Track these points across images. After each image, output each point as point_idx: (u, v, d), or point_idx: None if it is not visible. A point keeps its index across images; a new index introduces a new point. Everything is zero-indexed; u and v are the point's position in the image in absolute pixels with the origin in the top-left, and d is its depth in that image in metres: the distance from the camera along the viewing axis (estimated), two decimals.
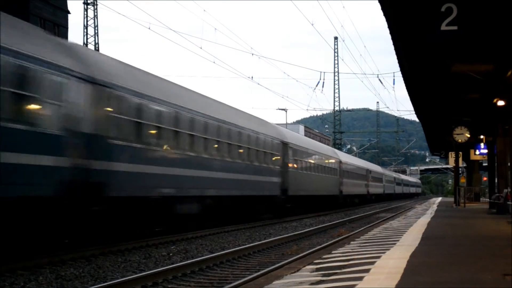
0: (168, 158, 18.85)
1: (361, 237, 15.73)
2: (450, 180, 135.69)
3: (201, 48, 57.53)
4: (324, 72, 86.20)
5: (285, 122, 69.72)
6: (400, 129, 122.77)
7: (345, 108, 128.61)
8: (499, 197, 27.51)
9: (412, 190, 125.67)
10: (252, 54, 49.85)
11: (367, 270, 8.17)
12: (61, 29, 51.14)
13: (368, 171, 64.46)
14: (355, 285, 7.01)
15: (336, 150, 55.87)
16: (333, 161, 45.94)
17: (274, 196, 30.00)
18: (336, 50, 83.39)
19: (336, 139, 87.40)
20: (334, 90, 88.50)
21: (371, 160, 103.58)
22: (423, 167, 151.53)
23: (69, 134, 13.69)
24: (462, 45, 15.65)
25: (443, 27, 11.65)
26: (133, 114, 16.57)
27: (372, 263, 8.98)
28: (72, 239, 14.55)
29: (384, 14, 13.92)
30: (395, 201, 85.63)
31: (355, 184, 55.47)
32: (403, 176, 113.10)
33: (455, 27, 11.63)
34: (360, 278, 7.47)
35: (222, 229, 22.47)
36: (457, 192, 40.10)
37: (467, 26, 11.81)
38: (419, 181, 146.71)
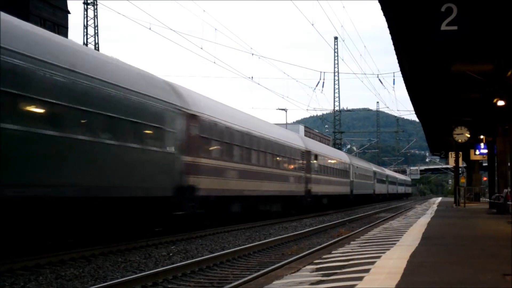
0: None
1: (361, 237, 15.73)
2: (450, 180, 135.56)
3: (201, 48, 57.43)
4: (324, 72, 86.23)
5: (285, 122, 69.73)
6: (400, 129, 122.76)
7: (345, 108, 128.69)
8: (499, 197, 27.51)
9: (401, 189, 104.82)
10: (252, 54, 49.81)
11: (367, 270, 8.17)
12: (61, 29, 51.13)
13: (312, 154, 37.01)
14: (355, 285, 7.01)
15: (194, 95, 22.51)
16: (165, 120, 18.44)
17: None
18: (336, 50, 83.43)
19: (336, 139, 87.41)
20: (334, 90, 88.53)
21: (371, 160, 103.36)
22: (423, 167, 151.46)
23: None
24: (462, 45, 15.67)
25: (443, 27, 11.66)
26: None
27: (372, 263, 8.98)
28: None
29: (384, 14, 13.92)
30: (371, 205, 59.92)
31: (267, 176, 28.16)
32: (388, 171, 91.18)
33: (455, 27, 11.64)
34: (360, 278, 7.48)
35: (222, 229, 22.46)
36: (457, 192, 40.11)
37: (467, 26, 11.82)
38: (408, 178, 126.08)
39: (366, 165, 65.13)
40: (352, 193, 51.64)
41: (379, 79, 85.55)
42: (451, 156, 48.49)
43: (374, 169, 70.14)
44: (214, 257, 13.74)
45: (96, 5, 54.02)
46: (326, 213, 39.57)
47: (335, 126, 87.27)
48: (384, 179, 79.20)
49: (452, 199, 52.04)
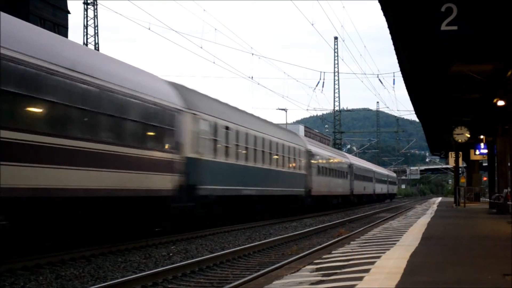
0: None
1: (361, 237, 15.73)
2: (450, 180, 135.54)
3: (201, 48, 57.44)
4: (324, 72, 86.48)
5: (285, 122, 69.73)
6: (400, 129, 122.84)
7: (345, 108, 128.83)
8: (499, 197, 27.51)
9: (380, 188, 72.81)
10: (252, 54, 49.90)
11: (367, 270, 8.17)
12: (61, 29, 51.14)
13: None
14: (355, 285, 7.01)
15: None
16: None
17: None
18: (336, 50, 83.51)
19: (336, 139, 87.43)
20: (334, 90, 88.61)
21: (371, 160, 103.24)
22: (423, 167, 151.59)
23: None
24: (462, 45, 15.67)
25: (443, 27, 11.65)
26: None
27: (372, 263, 8.97)
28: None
29: (384, 14, 13.92)
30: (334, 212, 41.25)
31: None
32: (356, 160, 60.57)
33: (455, 27, 11.63)
34: (360, 278, 7.47)
35: (222, 229, 22.46)
36: (457, 192, 40.10)
37: (467, 26, 11.82)
38: (392, 173, 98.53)
39: (289, 138, 33.70)
40: (194, 195, 20.56)
41: (379, 79, 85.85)
42: (451, 156, 48.47)
43: (312, 148, 38.56)
44: (214, 257, 13.74)
45: (96, 5, 54.05)
46: (327, 213, 39.59)
47: (335, 126, 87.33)
48: (344, 171, 48.53)
49: (452, 199, 52.02)
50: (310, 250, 15.12)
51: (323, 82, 72.09)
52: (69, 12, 53.90)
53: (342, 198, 48.83)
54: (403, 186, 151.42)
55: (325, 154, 43.46)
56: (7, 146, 11.62)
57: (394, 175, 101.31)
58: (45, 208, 13.51)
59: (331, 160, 44.56)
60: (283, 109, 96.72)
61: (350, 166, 52.03)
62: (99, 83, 14.80)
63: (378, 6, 13.22)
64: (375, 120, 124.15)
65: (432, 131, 37.11)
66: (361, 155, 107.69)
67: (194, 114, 20.15)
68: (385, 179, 79.37)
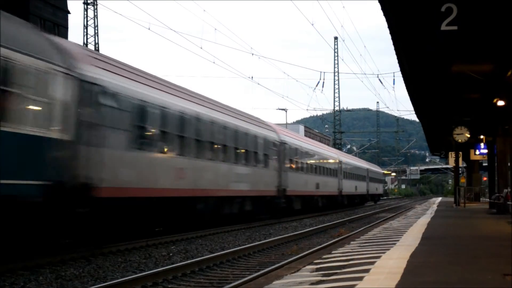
0: None
1: (361, 237, 15.73)
2: (450, 180, 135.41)
3: (201, 48, 57.47)
4: (324, 72, 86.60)
5: (285, 122, 69.75)
6: (400, 129, 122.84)
7: (345, 108, 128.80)
8: (499, 197, 27.51)
9: (353, 187, 53.33)
10: (252, 54, 49.87)
11: (367, 270, 8.17)
12: (61, 29, 51.14)
13: None
14: (355, 285, 7.01)
15: None
16: None
17: None
18: (336, 50, 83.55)
19: (336, 139, 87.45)
20: (334, 90, 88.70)
21: (371, 160, 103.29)
22: (423, 167, 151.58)
23: None
24: (462, 45, 15.67)
25: (443, 27, 11.66)
26: None
27: (372, 263, 8.97)
28: None
29: (384, 14, 13.91)
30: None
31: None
32: (294, 138, 35.88)
33: (455, 27, 11.64)
34: (360, 278, 7.47)
35: (222, 229, 22.47)
36: (457, 192, 40.09)
37: (467, 26, 11.83)
38: (377, 169, 78.17)
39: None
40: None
41: (379, 79, 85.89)
42: (451, 156, 48.49)
43: (112, 81, 15.41)
44: (214, 257, 13.75)
45: (96, 5, 54.07)
46: (326, 213, 39.53)
47: (335, 126, 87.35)
48: (257, 151, 27.20)
49: (452, 199, 52.03)
50: (310, 250, 15.12)
51: (323, 82, 72.23)
52: (69, 12, 53.81)
53: (256, 200, 27.00)
54: (403, 186, 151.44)
55: (169, 104, 18.81)
56: None
57: (379, 170, 79.74)
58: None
59: (200, 121, 20.99)
60: (283, 109, 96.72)
61: (282, 144, 31.32)
62: None
63: (378, 6, 13.22)
64: (375, 120, 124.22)
65: (432, 131, 37.11)
66: (361, 155, 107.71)
67: None
68: (363, 174, 58.98)
